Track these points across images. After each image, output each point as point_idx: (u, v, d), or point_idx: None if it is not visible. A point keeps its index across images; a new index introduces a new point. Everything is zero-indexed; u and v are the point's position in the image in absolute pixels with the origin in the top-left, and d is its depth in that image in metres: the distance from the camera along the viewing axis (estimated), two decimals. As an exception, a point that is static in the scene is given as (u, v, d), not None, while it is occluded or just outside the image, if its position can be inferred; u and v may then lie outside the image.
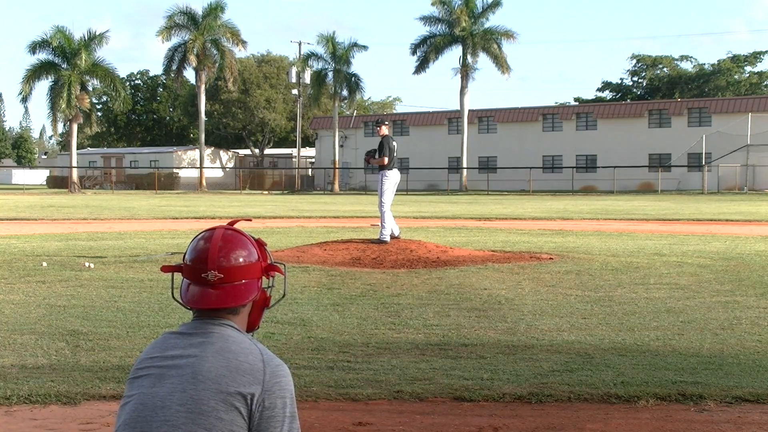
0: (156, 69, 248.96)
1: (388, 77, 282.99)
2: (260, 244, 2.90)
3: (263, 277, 2.86)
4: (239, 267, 2.76)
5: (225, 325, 2.75)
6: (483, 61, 71.79)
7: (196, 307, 2.75)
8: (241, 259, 2.78)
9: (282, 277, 2.94)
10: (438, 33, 69.26)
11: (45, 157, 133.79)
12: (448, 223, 26.69)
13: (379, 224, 14.92)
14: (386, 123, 15.16)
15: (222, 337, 2.72)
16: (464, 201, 46.88)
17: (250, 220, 2.96)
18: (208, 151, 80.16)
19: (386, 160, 14.75)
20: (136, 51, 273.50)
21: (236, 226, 2.92)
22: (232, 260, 2.76)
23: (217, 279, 2.73)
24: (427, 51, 69.16)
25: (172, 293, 2.93)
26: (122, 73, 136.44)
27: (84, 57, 63.78)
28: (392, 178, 14.85)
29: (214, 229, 2.84)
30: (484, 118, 77.21)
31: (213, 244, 2.77)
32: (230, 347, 2.70)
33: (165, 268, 2.92)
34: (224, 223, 2.98)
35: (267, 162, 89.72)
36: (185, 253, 2.83)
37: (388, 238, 14.63)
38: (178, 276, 2.89)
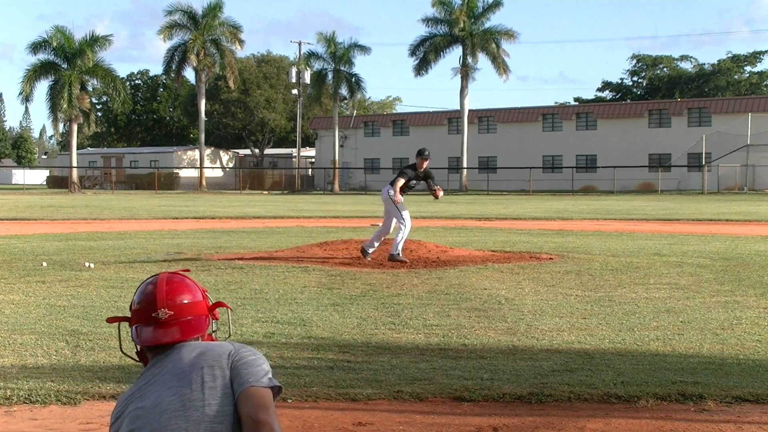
0: (154, 68, 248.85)
1: (388, 77, 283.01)
2: (201, 289, 3.05)
3: (210, 318, 3.02)
4: (186, 305, 2.93)
5: (187, 348, 2.90)
6: (483, 61, 71.55)
7: (152, 344, 2.89)
8: (186, 300, 2.94)
9: (225, 314, 3.17)
10: (438, 33, 69.24)
11: (45, 157, 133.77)
12: (448, 223, 26.69)
13: (398, 237, 13.79)
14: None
15: (188, 345, 2.89)
16: (464, 201, 46.87)
17: (188, 270, 3.14)
18: (208, 151, 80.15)
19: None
20: (135, 50, 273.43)
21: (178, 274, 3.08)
22: (178, 300, 2.93)
23: (168, 317, 2.89)
24: (426, 51, 69.12)
25: (120, 348, 3.09)
26: (122, 73, 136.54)
27: (90, 57, 63.77)
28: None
29: (156, 275, 3.02)
30: (484, 118, 77.21)
31: (159, 286, 2.94)
32: (199, 346, 2.88)
33: (110, 319, 3.09)
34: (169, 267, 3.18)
35: (267, 162, 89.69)
36: (131, 304, 2.99)
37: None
38: (123, 330, 3.08)
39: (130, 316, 2.98)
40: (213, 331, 3.09)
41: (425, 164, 14.09)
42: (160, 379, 2.81)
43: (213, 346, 2.86)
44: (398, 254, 13.75)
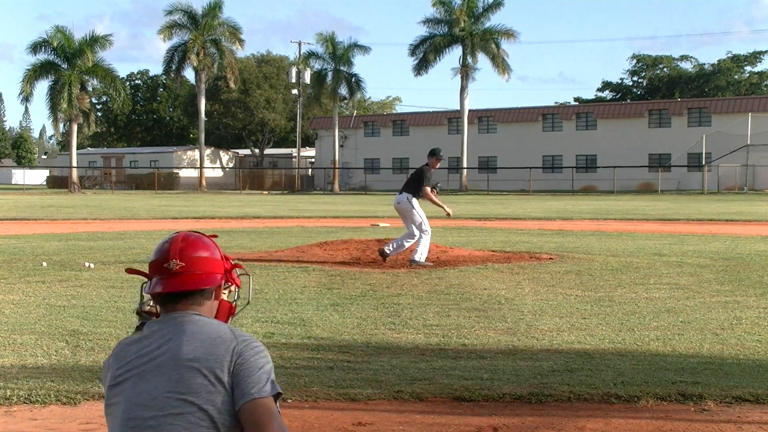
0: (154, 68, 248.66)
1: (388, 77, 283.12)
2: (221, 252, 3.02)
3: (227, 282, 3.01)
4: (200, 258, 2.92)
5: (192, 314, 2.88)
6: (483, 60, 71.51)
7: (159, 292, 2.88)
8: (199, 254, 2.92)
9: (245, 282, 3.13)
10: (438, 33, 69.22)
11: (45, 157, 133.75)
12: (448, 223, 26.69)
13: (417, 245, 13.62)
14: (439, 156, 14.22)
15: (192, 321, 2.85)
16: (464, 201, 46.87)
17: (216, 236, 3.09)
18: (208, 151, 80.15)
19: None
20: (134, 50, 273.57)
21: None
22: (193, 253, 2.92)
23: (179, 267, 2.88)
24: (426, 51, 69.09)
25: (139, 308, 3.13)
26: (121, 72, 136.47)
27: (89, 57, 63.77)
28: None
29: (177, 232, 3.01)
30: (484, 118, 77.21)
31: (174, 241, 2.94)
32: (201, 329, 2.83)
33: (129, 270, 3.11)
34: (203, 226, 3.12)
35: (267, 162, 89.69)
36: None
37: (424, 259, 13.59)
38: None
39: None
40: (234, 301, 3.09)
41: (438, 165, 14.05)
42: (161, 363, 2.77)
43: (216, 337, 2.81)
44: (420, 260, 13.44)
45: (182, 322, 2.84)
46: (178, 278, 2.87)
